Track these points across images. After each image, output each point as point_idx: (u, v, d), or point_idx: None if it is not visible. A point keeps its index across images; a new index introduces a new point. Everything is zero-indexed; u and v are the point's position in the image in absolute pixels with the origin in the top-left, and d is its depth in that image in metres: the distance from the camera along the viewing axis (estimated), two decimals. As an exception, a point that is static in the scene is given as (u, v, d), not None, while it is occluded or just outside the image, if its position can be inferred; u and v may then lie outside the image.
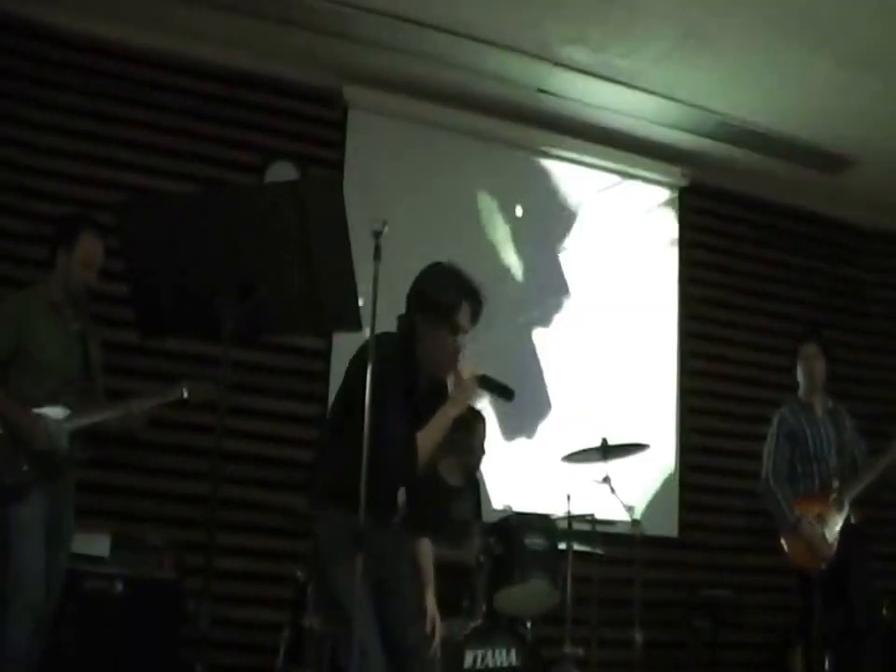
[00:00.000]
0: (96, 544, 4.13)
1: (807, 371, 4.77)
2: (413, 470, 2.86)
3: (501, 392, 2.96)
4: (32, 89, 5.06)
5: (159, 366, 4.79)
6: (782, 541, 4.54)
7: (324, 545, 2.87)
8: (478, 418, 4.74)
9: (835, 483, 4.53)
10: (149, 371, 4.76)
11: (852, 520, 4.50)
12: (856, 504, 4.54)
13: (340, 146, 5.60)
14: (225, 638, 4.53)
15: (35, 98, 5.06)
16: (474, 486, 4.78)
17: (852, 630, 4.38)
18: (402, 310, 3.07)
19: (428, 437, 2.88)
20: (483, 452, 4.75)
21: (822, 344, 4.83)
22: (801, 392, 4.80)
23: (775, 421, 4.75)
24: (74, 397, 3.67)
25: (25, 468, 3.50)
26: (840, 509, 4.48)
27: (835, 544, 4.43)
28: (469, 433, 4.63)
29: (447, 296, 2.94)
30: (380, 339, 2.75)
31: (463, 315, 2.94)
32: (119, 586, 4.11)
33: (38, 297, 3.71)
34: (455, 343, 2.93)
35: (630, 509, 4.58)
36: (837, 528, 4.46)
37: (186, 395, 3.79)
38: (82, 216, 3.92)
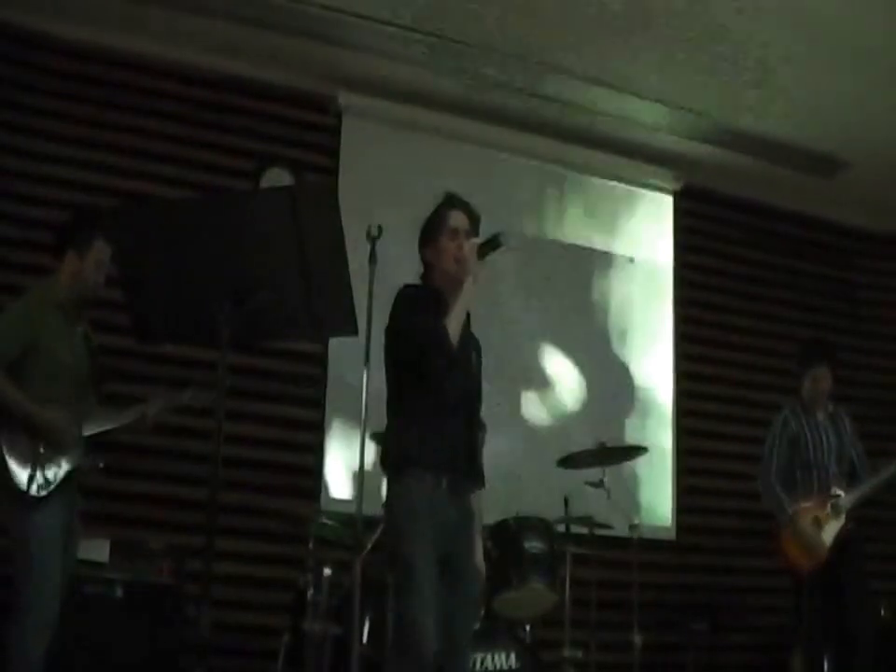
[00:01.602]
0: (95, 549, 4.12)
1: (814, 390, 4.74)
2: (447, 347, 2.93)
3: (493, 244, 3.07)
4: (25, 95, 5.07)
5: (156, 371, 4.80)
6: (779, 540, 4.55)
7: (396, 513, 2.94)
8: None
9: (834, 490, 4.52)
10: (147, 377, 4.77)
11: (849, 525, 4.51)
12: (853, 510, 4.55)
13: (335, 151, 5.61)
14: (224, 643, 4.53)
15: (28, 104, 5.07)
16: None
17: (847, 632, 4.38)
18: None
19: (454, 318, 2.98)
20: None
21: (833, 365, 4.80)
22: (803, 398, 4.80)
23: (778, 422, 4.72)
24: (85, 403, 3.65)
25: (51, 473, 3.45)
26: (837, 516, 4.48)
27: (830, 549, 4.44)
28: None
29: (435, 212, 3.18)
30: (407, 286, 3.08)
31: (455, 219, 3.13)
32: (119, 591, 4.11)
33: (46, 297, 3.65)
34: (458, 246, 3.07)
35: (627, 512, 4.59)
36: (833, 534, 4.46)
37: (190, 400, 3.83)
38: (95, 218, 3.85)
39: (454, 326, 2.96)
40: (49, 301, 3.63)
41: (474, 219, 3.19)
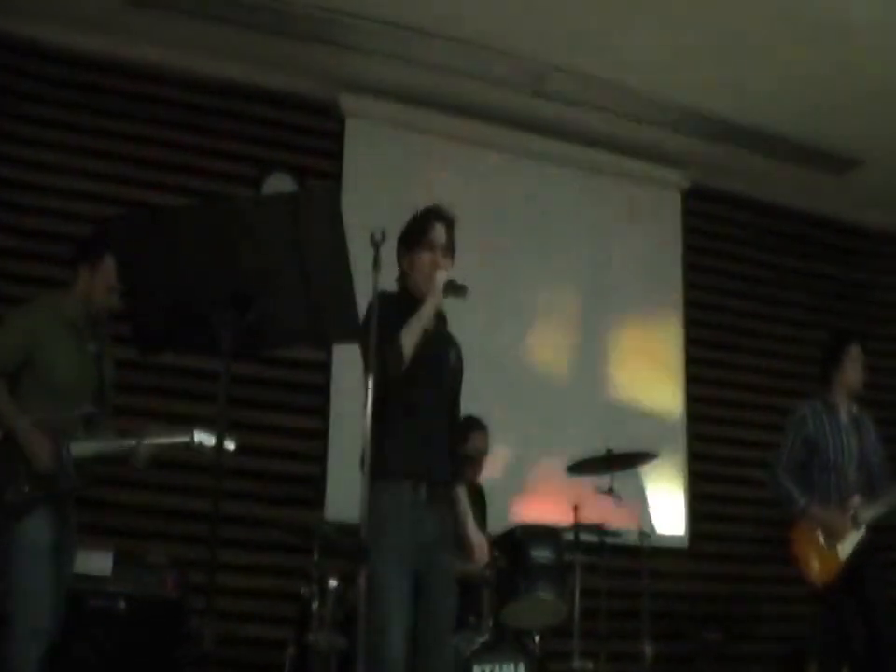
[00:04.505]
0: (98, 562, 4.10)
1: (854, 374, 4.61)
2: (399, 361, 2.98)
3: (457, 291, 3.13)
4: (23, 104, 5.05)
5: (158, 382, 4.76)
6: (793, 548, 4.47)
7: (371, 523, 2.88)
8: (476, 427, 4.69)
9: (854, 501, 4.42)
10: (148, 387, 4.73)
11: (868, 535, 4.41)
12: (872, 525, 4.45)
13: (337, 156, 5.59)
14: (228, 656, 4.51)
15: (27, 114, 5.05)
16: (479, 497, 4.73)
17: (877, 642, 4.26)
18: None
19: (410, 331, 3.03)
20: (481, 461, 4.71)
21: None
22: (830, 392, 4.63)
23: (795, 420, 4.59)
24: (82, 424, 3.59)
25: (26, 488, 3.42)
26: (857, 527, 4.39)
27: (846, 561, 4.35)
28: (466, 441, 4.59)
29: (417, 221, 3.27)
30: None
31: (436, 233, 3.21)
32: (122, 604, 4.08)
33: (55, 312, 3.61)
34: (433, 260, 3.18)
35: (638, 519, 4.53)
36: (852, 547, 4.37)
37: (194, 440, 3.70)
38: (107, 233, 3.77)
39: (408, 342, 3.01)
40: (58, 316, 3.59)
41: (451, 231, 3.25)
